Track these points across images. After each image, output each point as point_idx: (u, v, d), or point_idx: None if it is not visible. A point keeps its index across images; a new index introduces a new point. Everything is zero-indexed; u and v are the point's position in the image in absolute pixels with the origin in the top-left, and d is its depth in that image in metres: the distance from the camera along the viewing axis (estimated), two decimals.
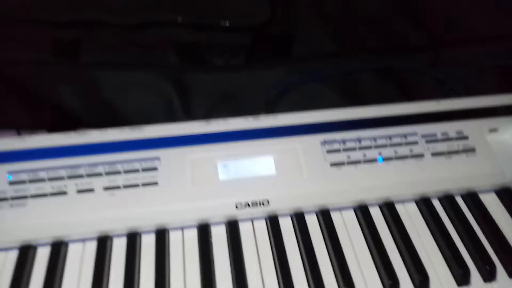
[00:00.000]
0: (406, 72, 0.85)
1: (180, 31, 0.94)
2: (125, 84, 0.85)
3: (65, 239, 0.60)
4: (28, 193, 0.60)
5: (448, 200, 0.65)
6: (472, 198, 0.66)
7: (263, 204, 0.61)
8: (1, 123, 0.86)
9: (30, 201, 0.59)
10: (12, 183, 0.61)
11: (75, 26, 0.90)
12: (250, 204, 0.61)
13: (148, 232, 0.61)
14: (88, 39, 0.90)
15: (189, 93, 0.86)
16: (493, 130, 0.70)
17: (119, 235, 0.60)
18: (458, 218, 0.63)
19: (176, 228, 0.62)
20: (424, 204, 0.65)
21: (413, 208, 0.65)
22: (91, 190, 0.60)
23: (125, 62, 0.89)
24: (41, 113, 0.86)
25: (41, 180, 0.61)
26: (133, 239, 0.60)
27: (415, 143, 0.67)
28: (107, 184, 0.61)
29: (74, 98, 0.86)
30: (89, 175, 0.62)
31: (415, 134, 0.68)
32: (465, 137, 0.68)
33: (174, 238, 0.61)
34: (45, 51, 0.86)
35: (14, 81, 0.84)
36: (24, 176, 0.61)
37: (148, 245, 0.60)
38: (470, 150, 0.67)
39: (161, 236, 0.60)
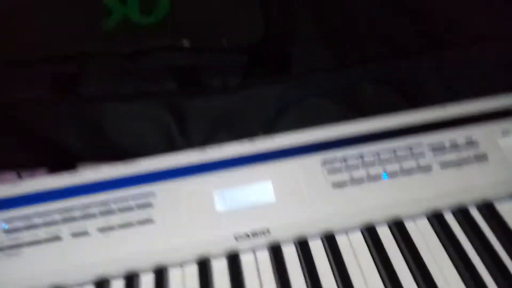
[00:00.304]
0: (409, 78, 0.82)
1: (176, 56, 0.93)
2: (123, 116, 0.84)
3: (62, 285, 0.58)
4: (23, 241, 0.59)
5: (462, 213, 0.61)
6: (488, 209, 0.61)
7: (263, 233, 0.59)
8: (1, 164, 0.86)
9: (26, 249, 0.58)
10: (7, 231, 0.60)
11: (69, 60, 0.91)
12: (250, 234, 0.58)
13: (146, 271, 0.59)
14: (83, 73, 0.90)
15: (187, 120, 0.85)
16: (505, 134, 0.65)
17: (116, 277, 0.58)
18: (474, 232, 0.59)
19: (175, 265, 0.59)
20: (436, 220, 0.61)
21: (424, 225, 0.61)
22: (85, 233, 0.59)
23: (123, 94, 0.88)
24: (39, 152, 0.86)
25: (36, 226, 0.60)
26: (131, 281, 0.58)
27: (422, 155, 0.63)
28: (101, 225, 0.59)
29: (73, 134, 0.85)
30: (83, 217, 0.60)
31: (421, 145, 0.64)
32: (476, 144, 0.64)
33: (173, 276, 0.59)
34: (40, 88, 0.86)
35: (10, 121, 0.84)
36: (19, 224, 0.60)
37: (147, 284, 0.58)
38: (482, 158, 0.63)
39: (160, 275, 0.58)
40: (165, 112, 0.83)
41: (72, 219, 0.60)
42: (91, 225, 0.59)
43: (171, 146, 0.83)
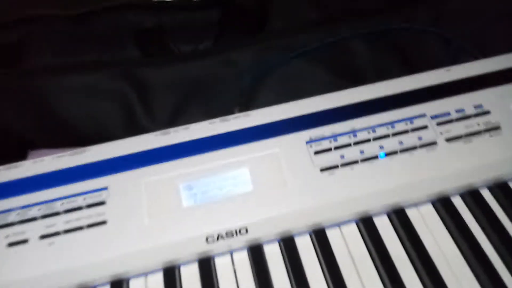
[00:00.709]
0: (405, 34, 0.70)
1: (136, 16, 0.79)
2: (74, 91, 0.72)
3: None
4: None
5: (472, 197, 0.52)
6: (502, 190, 0.52)
7: (240, 232, 0.49)
8: None
9: None
10: None
11: (8, 28, 0.77)
12: (223, 235, 0.49)
13: (101, 285, 0.49)
14: (25, 42, 0.76)
15: (151, 94, 0.73)
16: None
17: None
18: (487, 218, 0.50)
19: (136, 275, 0.50)
20: (442, 205, 0.52)
21: (429, 212, 0.52)
22: (24, 241, 0.48)
23: (74, 64, 0.75)
24: None
25: None
26: None
27: (424, 127, 0.53)
28: (43, 230, 0.49)
29: (19, 116, 0.73)
30: (22, 222, 0.49)
31: (423, 115, 0.54)
32: (486, 112, 0.54)
33: (135, 286, 0.49)
34: None
35: None
36: None
37: None
38: (494, 128, 0.53)
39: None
40: (125, 85, 0.71)
41: (9, 224, 0.49)
42: (32, 230, 0.49)
43: (132, 126, 0.71)
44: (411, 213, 0.51)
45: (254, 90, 0.71)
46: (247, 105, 0.67)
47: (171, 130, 0.55)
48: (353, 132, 0.53)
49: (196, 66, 0.72)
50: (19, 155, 0.72)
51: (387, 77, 0.59)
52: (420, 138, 0.52)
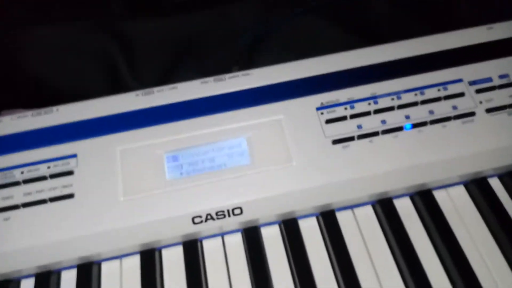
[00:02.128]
0: None
1: None
2: (52, 46, 0.63)
3: None
4: None
5: None
6: None
7: (233, 212, 0.41)
8: None
9: None
10: None
11: None
12: (213, 215, 0.41)
13: (67, 268, 0.42)
14: None
15: (137, 50, 0.63)
16: None
17: (25, 277, 0.41)
18: None
19: (109, 259, 0.42)
20: (477, 187, 0.43)
21: (460, 194, 0.44)
22: None
23: (51, 17, 0.65)
24: None
25: None
26: (44, 280, 0.41)
27: (461, 95, 0.44)
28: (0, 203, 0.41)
29: None
30: None
31: (459, 81, 0.45)
32: None
33: (108, 271, 0.42)
34: None
35: None
36: None
37: (68, 282, 0.41)
38: None
39: (85, 271, 0.41)
40: (106, 40, 0.62)
41: None
42: None
43: (116, 87, 0.62)
44: (440, 196, 0.43)
45: (255, 49, 0.61)
46: (247, 65, 0.58)
47: (155, 89, 0.47)
48: (374, 98, 0.44)
49: (189, 20, 0.62)
50: None
51: (413, 35, 0.49)
52: (455, 108, 0.43)
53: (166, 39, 0.63)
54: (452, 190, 0.44)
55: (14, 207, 0.41)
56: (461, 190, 0.44)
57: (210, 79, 0.47)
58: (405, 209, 0.43)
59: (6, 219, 0.40)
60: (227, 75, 0.47)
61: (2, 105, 0.64)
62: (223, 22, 0.62)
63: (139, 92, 0.46)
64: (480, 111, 0.43)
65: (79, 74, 0.63)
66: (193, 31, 0.63)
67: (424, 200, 0.42)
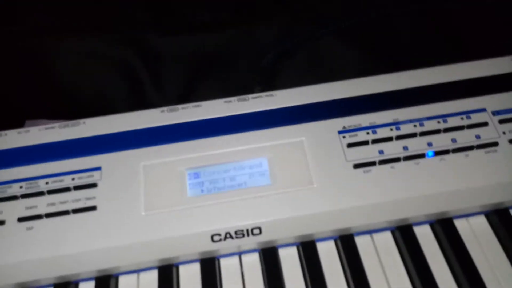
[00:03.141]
0: (460, 12, 0.59)
1: None
2: (74, 58, 0.64)
3: None
4: None
5: None
6: None
7: (252, 232, 0.41)
8: None
9: None
10: None
11: None
12: (232, 234, 0.41)
13: (85, 280, 0.42)
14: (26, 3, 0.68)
15: (161, 65, 0.65)
16: None
17: (44, 287, 0.42)
18: None
19: (127, 272, 0.42)
20: (498, 218, 0.43)
21: (481, 224, 0.43)
22: (0, 223, 0.41)
23: (75, 28, 0.67)
24: None
25: None
26: None
27: (484, 124, 0.44)
28: (23, 212, 0.42)
29: (12, 79, 0.65)
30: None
31: (483, 110, 0.45)
32: None
33: (125, 284, 0.42)
34: None
35: None
36: None
37: None
38: None
39: (103, 284, 0.41)
40: (131, 53, 0.63)
41: None
42: (9, 211, 0.42)
43: (139, 100, 0.64)
44: (460, 225, 0.43)
45: (277, 69, 0.62)
46: (268, 85, 0.59)
47: (180, 106, 0.47)
48: (396, 124, 0.44)
49: (213, 37, 0.64)
50: (16, 124, 0.65)
51: (436, 63, 0.49)
52: (478, 137, 0.43)
53: (190, 55, 0.64)
54: (472, 219, 0.43)
55: (38, 216, 0.41)
56: (482, 220, 0.43)
57: (234, 98, 0.48)
58: (425, 236, 0.42)
59: (29, 229, 0.41)
60: (251, 95, 0.48)
61: (26, 114, 0.66)
62: (246, 42, 0.63)
63: (164, 108, 0.47)
64: (503, 141, 0.43)
65: (103, 85, 0.65)
66: (216, 49, 0.64)
67: (445, 229, 0.42)
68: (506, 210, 0.43)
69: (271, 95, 0.48)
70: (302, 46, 0.63)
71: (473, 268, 0.40)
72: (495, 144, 0.43)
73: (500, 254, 0.41)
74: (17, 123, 0.65)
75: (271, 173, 0.43)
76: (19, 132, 0.47)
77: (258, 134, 0.45)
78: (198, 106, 0.47)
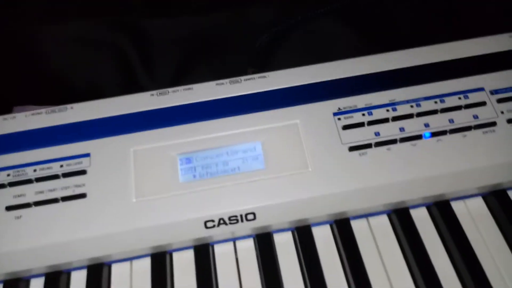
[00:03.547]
0: None
1: None
2: (65, 42, 0.62)
3: None
4: None
5: None
6: None
7: (246, 218, 0.40)
8: None
9: None
10: None
11: None
12: (226, 220, 0.40)
13: (78, 268, 0.41)
14: None
15: (152, 48, 0.63)
16: None
17: (35, 276, 0.41)
18: None
19: (119, 261, 0.41)
20: (496, 199, 0.42)
21: (478, 206, 0.43)
22: None
23: (64, 12, 0.65)
24: None
25: None
26: (54, 280, 0.40)
27: (482, 104, 0.43)
28: (10, 200, 0.41)
29: (1, 67, 0.64)
30: None
31: (480, 89, 0.44)
32: None
33: (118, 272, 0.41)
34: None
35: None
36: None
37: (78, 283, 0.41)
38: None
39: (95, 272, 0.40)
40: (121, 36, 0.61)
41: None
42: None
43: (130, 85, 0.62)
44: (457, 207, 0.42)
45: (271, 50, 0.60)
46: (263, 67, 0.57)
47: (170, 90, 0.46)
48: (392, 105, 0.43)
49: (206, 19, 0.62)
50: (4, 111, 0.64)
51: (433, 42, 0.48)
52: (475, 117, 0.42)
53: (181, 38, 0.63)
54: (470, 201, 0.43)
55: (26, 205, 0.40)
56: (479, 202, 0.43)
57: (226, 80, 0.46)
58: (422, 219, 0.42)
59: (17, 217, 0.40)
60: (243, 77, 0.46)
61: (14, 101, 0.64)
62: (239, 23, 0.61)
63: (154, 92, 0.46)
64: (501, 121, 0.42)
65: (93, 70, 0.63)
66: (209, 31, 0.62)
67: (442, 211, 0.42)
68: (503, 191, 0.42)
69: (264, 76, 0.46)
70: (297, 27, 0.61)
71: (471, 251, 0.40)
72: (493, 124, 0.42)
73: (498, 236, 0.41)
74: (5, 109, 0.64)
75: (265, 157, 0.42)
76: (4, 119, 0.45)
77: (251, 117, 0.43)
78: (189, 89, 0.46)
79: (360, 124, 0.43)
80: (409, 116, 0.43)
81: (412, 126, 0.42)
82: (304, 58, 0.58)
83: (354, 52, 0.49)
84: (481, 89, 0.44)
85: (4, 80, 0.63)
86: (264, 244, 0.41)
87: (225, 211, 0.40)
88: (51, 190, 0.41)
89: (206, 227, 0.40)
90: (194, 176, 0.42)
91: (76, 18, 0.62)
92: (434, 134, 0.42)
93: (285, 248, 0.41)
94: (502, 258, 0.40)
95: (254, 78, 0.46)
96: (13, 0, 0.62)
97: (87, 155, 0.42)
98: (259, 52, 0.60)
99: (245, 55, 0.62)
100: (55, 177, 0.41)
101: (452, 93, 0.43)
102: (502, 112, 0.43)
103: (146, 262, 0.41)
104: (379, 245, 0.41)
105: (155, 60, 0.63)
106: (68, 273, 0.41)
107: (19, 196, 0.41)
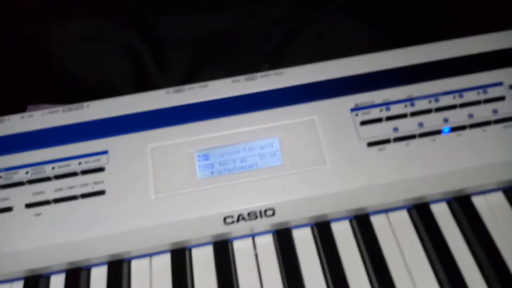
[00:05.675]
0: None
1: None
2: (76, 41, 0.63)
3: None
4: None
5: None
6: None
7: (265, 214, 0.40)
8: None
9: None
10: None
11: None
12: (245, 216, 0.40)
13: (98, 265, 0.41)
14: None
15: (165, 46, 0.63)
16: None
17: (55, 273, 0.41)
18: None
19: (139, 257, 0.42)
20: None
21: (499, 201, 0.42)
22: (7, 210, 0.40)
23: (75, 11, 0.65)
24: None
25: None
26: (74, 277, 0.40)
27: (501, 99, 0.43)
28: (30, 198, 0.41)
29: (15, 64, 0.64)
30: (5, 186, 0.41)
31: (499, 84, 0.43)
32: None
33: (138, 268, 0.41)
34: None
35: None
36: None
37: (98, 280, 0.41)
38: None
39: (115, 269, 0.41)
40: (134, 35, 0.62)
41: None
42: (17, 197, 0.41)
43: (143, 83, 0.62)
44: (478, 202, 0.42)
45: (284, 47, 0.60)
46: (276, 64, 0.57)
47: (186, 87, 0.46)
48: (411, 100, 0.43)
49: (218, 17, 0.62)
50: (18, 110, 0.64)
51: (449, 37, 0.48)
52: (495, 112, 0.42)
53: (194, 35, 0.63)
54: (490, 196, 0.42)
55: (45, 202, 0.40)
56: (500, 196, 0.42)
57: (242, 77, 0.46)
58: (442, 214, 0.41)
59: (37, 215, 0.40)
60: (259, 74, 0.46)
61: (28, 99, 0.65)
62: (251, 20, 0.61)
63: (169, 89, 0.46)
64: None
65: (106, 69, 0.63)
66: (222, 29, 0.62)
67: (462, 206, 0.41)
68: None
69: (280, 73, 0.46)
70: (309, 24, 0.61)
71: (493, 245, 0.39)
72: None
73: None
74: (19, 108, 0.64)
75: (282, 153, 0.42)
76: (22, 117, 0.45)
77: (267, 113, 0.43)
78: (205, 86, 0.46)
79: (378, 120, 0.42)
80: (428, 111, 0.42)
81: (431, 121, 0.42)
82: (317, 54, 0.58)
83: (366, 47, 0.49)
84: (500, 83, 0.43)
85: (18, 80, 0.64)
86: (284, 239, 0.41)
87: (244, 207, 0.40)
88: (70, 188, 0.41)
89: (225, 223, 0.40)
90: (212, 173, 0.41)
91: (89, 17, 0.63)
92: (453, 129, 0.41)
93: (305, 243, 0.41)
94: None
95: (270, 75, 0.46)
96: (27, 0, 0.62)
97: (105, 152, 0.42)
98: (271, 49, 0.60)
99: (257, 52, 0.62)
100: (73, 174, 0.41)
101: (470, 88, 0.43)
102: None
103: (166, 258, 0.41)
104: (399, 240, 0.41)
105: (168, 58, 0.63)
106: (88, 270, 0.41)
107: (38, 193, 0.41)
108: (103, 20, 0.61)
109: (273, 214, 0.40)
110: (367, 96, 0.44)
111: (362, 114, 0.43)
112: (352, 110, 0.43)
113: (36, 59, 0.63)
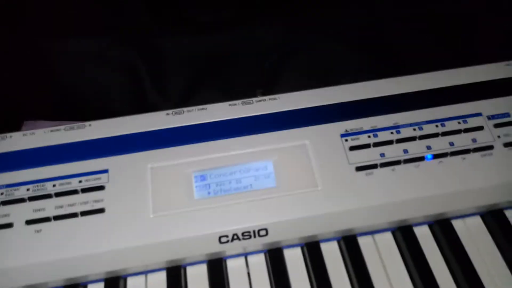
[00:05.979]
0: (459, 18, 0.61)
1: None
2: (76, 59, 0.64)
3: None
4: None
5: None
6: None
7: (258, 234, 0.42)
8: None
9: None
10: None
11: None
12: (240, 235, 0.42)
13: (95, 281, 0.43)
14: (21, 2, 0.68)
15: (162, 66, 0.65)
16: None
17: None
18: None
19: (135, 273, 0.43)
20: (493, 218, 0.45)
21: (477, 224, 0.45)
22: (7, 226, 0.42)
23: (76, 29, 0.67)
24: None
25: None
26: None
27: (480, 128, 0.46)
28: (30, 215, 0.42)
29: (14, 79, 0.65)
30: (6, 202, 0.42)
31: (478, 115, 0.47)
32: None
33: (134, 285, 0.43)
34: None
35: None
36: None
37: None
38: None
39: (112, 285, 0.42)
40: (133, 54, 0.64)
41: None
42: (17, 213, 0.42)
43: (140, 101, 0.64)
44: (457, 225, 0.45)
45: (278, 71, 0.63)
46: (270, 88, 0.60)
47: (185, 109, 0.48)
48: (397, 128, 0.46)
49: (215, 38, 0.64)
50: (13, 126, 0.65)
51: (434, 67, 0.51)
52: (474, 141, 0.45)
53: (191, 56, 0.65)
54: (469, 220, 0.45)
55: (46, 219, 0.42)
56: (477, 220, 0.45)
57: (238, 102, 0.48)
58: (424, 236, 0.44)
59: (37, 231, 0.41)
60: (255, 99, 0.49)
61: (24, 115, 0.66)
62: (248, 43, 0.63)
63: (169, 111, 0.48)
64: (498, 145, 0.45)
65: (103, 86, 0.65)
66: (218, 50, 0.64)
67: (443, 229, 0.44)
68: (500, 211, 0.45)
69: (275, 98, 0.49)
70: (303, 49, 0.64)
71: (470, 266, 0.42)
72: (490, 147, 0.45)
73: (495, 253, 0.43)
74: (15, 124, 0.65)
75: (276, 176, 0.44)
76: (24, 134, 0.47)
77: (262, 137, 0.46)
78: (203, 109, 0.48)
79: (366, 146, 0.45)
80: (412, 138, 0.45)
81: (415, 148, 0.45)
82: (310, 78, 0.61)
83: (358, 73, 0.52)
84: (479, 114, 0.47)
85: (15, 95, 0.65)
86: (276, 259, 0.43)
87: (239, 227, 0.42)
88: (70, 205, 0.42)
89: (221, 242, 0.42)
90: (209, 193, 0.43)
91: (88, 34, 0.64)
92: (435, 156, 0.44)
93: (295, 263, 0.43)
94: (499, 273, 0.42)
95: (265, 100, 0.48)
96: (25, 15, 0.64)
97: (106, 171, 0.44)
98: (266, 73, 0.62)
99: (252, 74, 0.64)
100: (74, 192, 0.43)
101: (452, 118, 0.46)
102: (498, 137, 0.45)
103: (161, 276, 0.43)
104: (384, 260, 0.43)
105: (165, 77, 0.65)
106: (85, 286, 0.42)
107: (39, 210, 0.42)
108: (103, 38, 0.63)
109: (266, 234, 0.42)
110: (357, 123, 0.46)
111: (352, 139, 0.45)
112: (342, 135, 0.46)
113: (34, 74, 0.65)
